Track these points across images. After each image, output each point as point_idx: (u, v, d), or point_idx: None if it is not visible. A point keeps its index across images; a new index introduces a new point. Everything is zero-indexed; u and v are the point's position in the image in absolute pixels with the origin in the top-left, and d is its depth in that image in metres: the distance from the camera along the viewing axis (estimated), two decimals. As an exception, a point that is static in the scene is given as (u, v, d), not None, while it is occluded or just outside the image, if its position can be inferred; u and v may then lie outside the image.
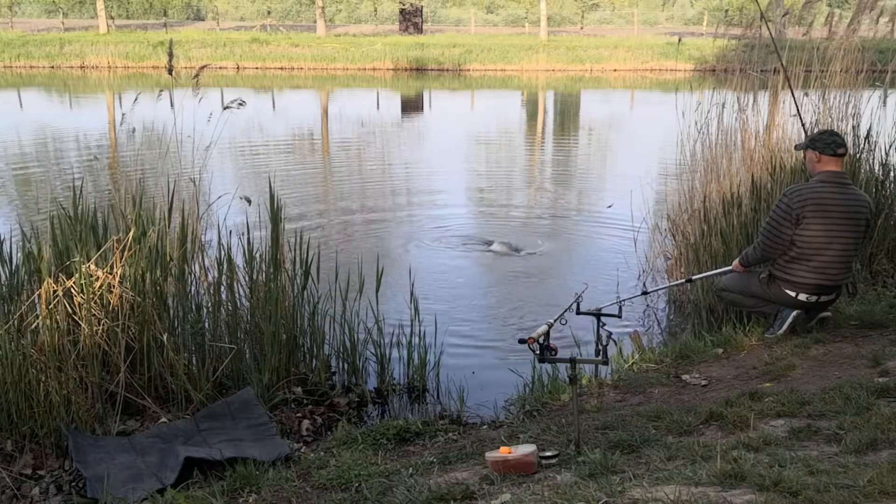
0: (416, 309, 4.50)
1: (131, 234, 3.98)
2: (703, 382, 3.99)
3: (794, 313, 4.42)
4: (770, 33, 5.62)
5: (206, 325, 4.26)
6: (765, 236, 4.40)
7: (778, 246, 4.35)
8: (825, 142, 4.32)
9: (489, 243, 7.28)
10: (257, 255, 4.37)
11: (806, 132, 5.42)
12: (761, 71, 6.03)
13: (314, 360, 4.49)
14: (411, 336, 4.45)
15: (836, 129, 5.66)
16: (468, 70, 29.17)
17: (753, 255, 4.51)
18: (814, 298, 4.37)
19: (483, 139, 15.09)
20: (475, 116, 19.27)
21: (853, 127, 5.81)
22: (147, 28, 38.41)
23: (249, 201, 4.68)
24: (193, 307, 4.31)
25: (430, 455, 3.28)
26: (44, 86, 24.34)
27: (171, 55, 4.71)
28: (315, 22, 38.42)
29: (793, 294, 4.37)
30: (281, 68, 29.04)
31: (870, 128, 5.78)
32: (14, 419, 3.51)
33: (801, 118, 5.47)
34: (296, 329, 4.42)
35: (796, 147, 4.78)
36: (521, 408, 3.95)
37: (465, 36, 36.84)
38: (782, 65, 5.55)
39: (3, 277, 3.91)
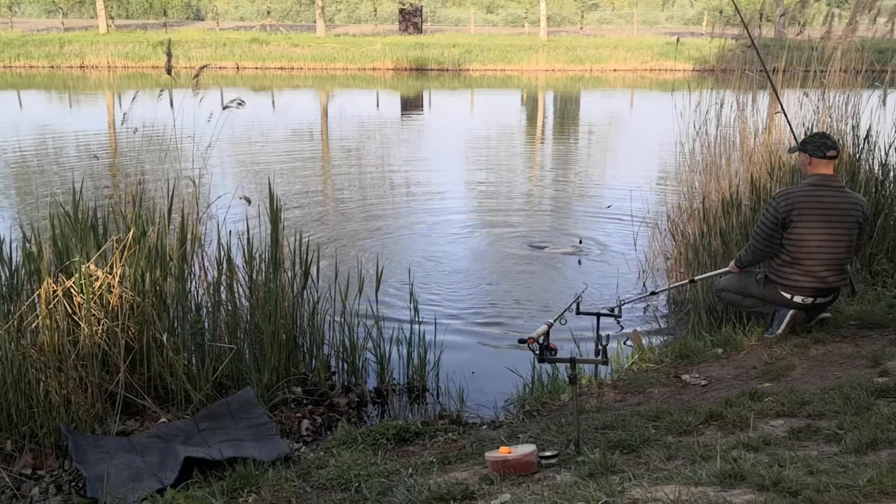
0: (416, 309, 4.50)
1: (131, 234, 3.97)
2: (703, 382, 3.99)
3: (791, 312, 4.42)
4: (752, 39, 5.60)
5: (206, 325, 4.26)
6: (755, 239, 4.42)
7: (767, 249, 4.37)
8: (815, 144, 4.31)
9: (539, 247, 7.22)
10: (257, 255, 4.37)
11: (794, 134, 5.42)
12: (760, 71, 6.03)
13: (314, 360, 4.48)
14: (411, 336, 4.45)
15: (835, 130, 5.67)
16: (468, 70, 29.18)
17: (745, 257, 4.52)
18: (809, 301, 4.37)
19: (483, 138, 15.09)
20: (475, 116, 19.26)
21: (853, 127, 5.81)
22: (147, 28, 38.41)
23: (249, 201, 4.69)
24: (193, 307, 4.31)
25: (430, 455, 3.28)
26: (44, 86, 24.33)
27: (169, 55, 4.71)
28: (315, 22, 38.42)
29: (788, 296, 4.37)
30: (281, 68, 29.06)
31: (869, 128, 5.78)
32: (14, 419, 3.51)
33: (787, 119, 5.46)
34: (295, 329, 4.41)
35: (790, 150, 4.78)
36: (521, 408, 3.95)
37: (465, 36, 36.84)
38: (765, 69, 5.54)
39: (3, 277, 3.90)
